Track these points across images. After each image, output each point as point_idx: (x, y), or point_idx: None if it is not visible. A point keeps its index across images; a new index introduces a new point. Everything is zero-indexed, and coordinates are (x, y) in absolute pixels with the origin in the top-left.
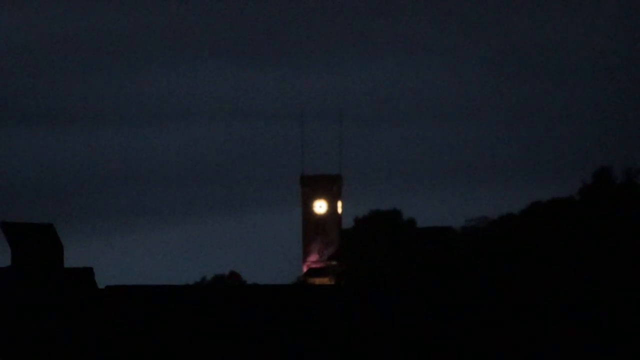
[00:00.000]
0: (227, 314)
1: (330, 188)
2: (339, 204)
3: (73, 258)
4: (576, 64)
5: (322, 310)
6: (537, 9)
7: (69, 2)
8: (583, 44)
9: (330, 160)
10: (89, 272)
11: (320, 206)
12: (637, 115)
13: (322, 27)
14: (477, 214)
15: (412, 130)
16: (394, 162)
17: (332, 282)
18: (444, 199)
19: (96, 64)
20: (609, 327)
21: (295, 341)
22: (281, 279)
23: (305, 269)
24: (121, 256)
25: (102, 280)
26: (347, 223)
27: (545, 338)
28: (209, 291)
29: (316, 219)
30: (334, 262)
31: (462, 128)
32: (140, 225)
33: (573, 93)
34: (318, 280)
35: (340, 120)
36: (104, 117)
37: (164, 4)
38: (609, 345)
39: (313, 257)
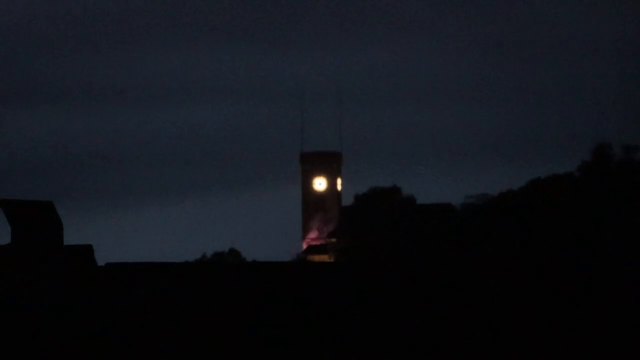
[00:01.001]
0: (227, 291)
1: (329, 165)
2: (339, 181)
3: (73, 236)
4: (575, 43)
5: (322, 287)
6: None
7: None
8: (581, 23)
9: (329, 137)
10: (88, 249)
11: (319, 183)
12: (636, 92)
13: (322, 6)
14: (477, 190)
15: (412, 109)
16: (393, 139)
17: (332, 259)
18: (444, 176)
19: (96, 42)
20: (608, 305)
21: (294, 319)
22: (281, 256)
23: (304, 246)
24: (121, 234)
25: (102, 257)
26: (347, 200)
27: (544, 315)
28: (209, 268)
29: (316, 196)
30: (333, 240)
31: (461, 106)
32: (140, 203)
33: (572, 71)
34: (318, 258)
35: (339, 98)
36: (105, 96)
37: None
38: (608, 324)
39: (313, 235)
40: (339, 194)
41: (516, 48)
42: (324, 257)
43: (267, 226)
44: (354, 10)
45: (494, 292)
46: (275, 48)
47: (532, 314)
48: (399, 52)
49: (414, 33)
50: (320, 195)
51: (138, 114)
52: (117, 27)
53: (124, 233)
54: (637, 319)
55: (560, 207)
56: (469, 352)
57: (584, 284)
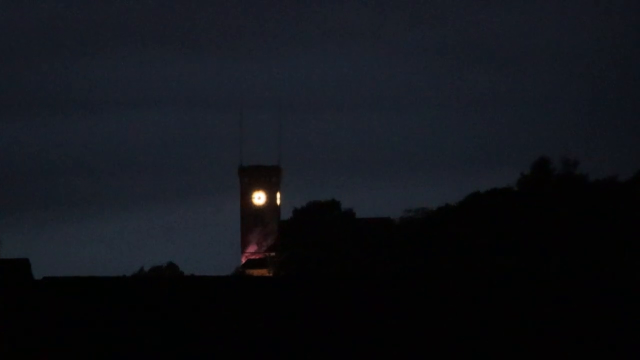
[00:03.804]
0: (165, 304)
1: (269, 179)
2: (278, 195)
3: (9, 250)
4: (516, 55)
5: (261, 301)
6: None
7: None
8: (524, 35)
9: (269, 151)
10: (25, 263)
11: (259, 197)
12: (575, 106)
13: (262, 17)
14: (416, 204)
15: (351, 121)
16: (333, 152)
17: (271, 274)
18: (383, 190)
19: (31, 51)
20: (547, 313)
21: (233, 331)
22: (219, 270)
23: (243, 260)
24: (58, 248)
25: (39, 271)
26: (286, 214)
27: (479, 325)
28: (147, 282)
29: (255, 210)
30: (272, 254)
31: (400, 119)
32: (77, 216)
33: (512, 84)
34: (256, 272)
35: (279, 111)
36: (35, 107)
37: None
38: (545, 334)
39: (252, 248)
40: (278, 208)
41: (455, 61)
42: (263, 271)
43: (205, 240)
44: (294, 20)
45: (434, 304)
46: (214, 58)
47: (472, 324)
48: (339, 63)
49: (353, 43)
50: (259, 209)
51: (72, 124)
52: (41, 35)
53: (61, 247)
54: (571, 327)
55: (500, 220)
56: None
57: (522, 295)
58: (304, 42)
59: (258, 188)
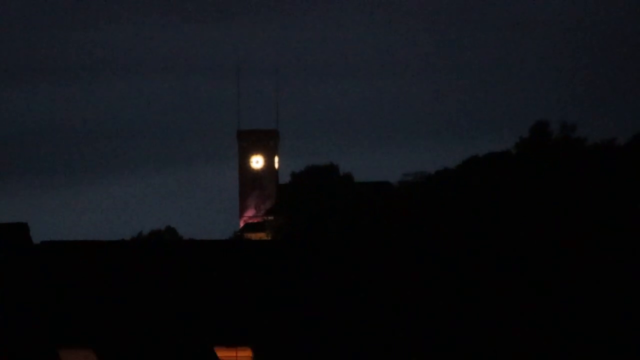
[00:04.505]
0: (164, 268)
1: (266, 143)
2: (276, 159)
3: (7, 213)
4: (515, 19)
5: (259, 264)
6: None
7: None
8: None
9: (266, 115)
10: (23, 227)
11: (257, 161)
12: (573, 69)
13: None
14: (414, 168)
15: (350, 86)
16: (331, 117)
17: (269, 237)
18: (381, 154)
19: (31, 20)
20: (542, 280)
21: (231, 295)
22: (218, 234)
23: (242, 224)
24: (57, 212)
25: (38, 235)
26: (284, 178)
27: (476, 290)
28: (146, 246)
29: (253, 174)
30: (270, 217)
31: (399, 83)
32: (76, 180)
33: (510, 48)
34: (255, 235)
35: (276, 75)
36: (38, 72)
37: None
38: (540, 295)
39: (250, 212)
40: (276, 171)
41: (454, 25)
42: (261, 235)
43: (204, 204)
44: None
45: (433, 270)
46: (211, 23)
47: (468, 290)
48: (336, 28)
49: (351, 8)
50: (257, 173)
51: (73, 90)
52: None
53: (59, 211)
54: (565, 288)
55: (498, 184)
56: (403, 324)
57: (520, 261)
58: (301, 5)
59: (256, 152)
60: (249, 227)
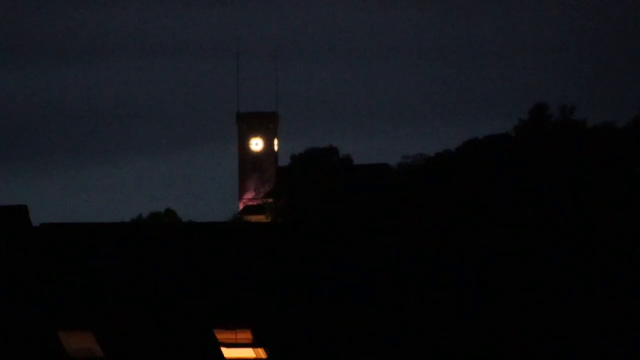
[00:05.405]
0: (163, 251)
1: (266, 125)
2: (275, 141)
3: (7, 196)
4: (514, 2)
5: (258, 247)
6: None
7: None
8: None
9: (266, 97)
10: (23, 210)
11: (256, 144)
12: (572, 52)
13: None
14: (414, 151)
15: (349, 68)
16: (330, 99)
17: (268, 220)
18: (381, 136)
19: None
20: (544, 261)
21: (230, 277)
22: (217, 217)
23: (241, 207)
24: (56, 194)
25: (37, 218)
26: (284, 161)
27: (478, 271)
28: (145, 228)
29: (252, 156)
30: (270, 200)
31: (398, 65)
32: (76, 163)
33: (509, 30)
34: (254, 218)
35: (276, 58)
36: (39, 52)
37: None
38: (539, 279)
39: (249, 195)
40: (275, 154)
41: (454, 8)
42: (261, 218)
43: (203, 186)
44: None
45: (432, 252)
46: (210, 6)
47: (468, 271)
48: (335, 10)
49: None
50: (256, 156)
51: (74, 72)
52: None
53: (59, 194)
54: (559, 269)
55: (497, 166)
56: (404, 308)
57: (518, 242)
58: None
59: (255, 134)
60: (249, 209)
